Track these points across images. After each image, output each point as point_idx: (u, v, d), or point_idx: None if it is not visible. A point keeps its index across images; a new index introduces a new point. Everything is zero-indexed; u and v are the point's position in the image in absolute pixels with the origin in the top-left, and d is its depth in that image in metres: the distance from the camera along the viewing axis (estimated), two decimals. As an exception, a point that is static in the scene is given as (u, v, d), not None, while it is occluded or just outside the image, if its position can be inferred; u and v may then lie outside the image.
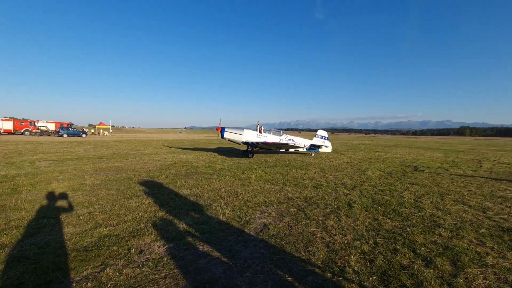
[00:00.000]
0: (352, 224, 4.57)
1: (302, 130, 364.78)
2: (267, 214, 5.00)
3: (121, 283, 2.67)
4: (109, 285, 2.62)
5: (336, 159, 15.07)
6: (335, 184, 7.93)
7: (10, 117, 42.32)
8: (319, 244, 3.73)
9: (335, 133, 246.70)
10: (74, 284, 2.62)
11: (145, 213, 4.79)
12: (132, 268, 2.94)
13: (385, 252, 3.54)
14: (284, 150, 16.43)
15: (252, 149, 15.74)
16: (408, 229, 4.39)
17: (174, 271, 2.91)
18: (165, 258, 3.18)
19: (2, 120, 38.47)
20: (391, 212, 5.26)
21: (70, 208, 4.98)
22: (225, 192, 6.61)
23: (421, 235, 4.13)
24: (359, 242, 3.85)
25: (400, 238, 4.00)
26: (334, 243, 3.78)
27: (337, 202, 5.95)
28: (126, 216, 4.64)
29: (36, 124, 41.73)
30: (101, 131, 54.75)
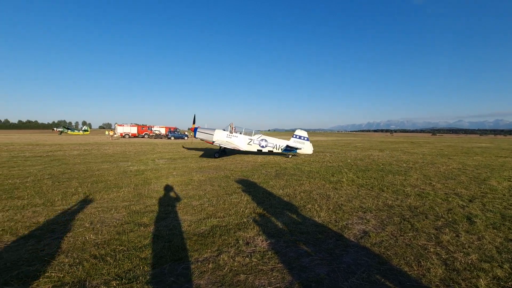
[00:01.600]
0: (476, 243, 3.85)
1: (395, 131, 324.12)
2: (365, 221, 4.73)
3: (235, 268, 3.02)
4: (226, 269, 3.00)
5: (443, 164, 12.88)
6: (446, 194, 6.81)
7: (134, 124, 52.87)
8: (433, 260, 3.31)
9: (438, 134, 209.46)
10: (199, 263, 3.11)
11: (246, 209, 5.25)
12: (243, 257, 3.29)
13: (531, 282, 2.85)
14: (256, 150, 15.33)
15: (224, 149, 15.06)
16: None
17: (279, 265, 3.11)
18: (269, 252, 3.42)
19: (130, 126, 48.76)
20: (534, 234, 4.18)
21: (185, 199, 5.91)
22: (317, 194, 6.58)
23: None
24: (488, 264, 3.22)
25: (553, 268, 3.15)
26: (454, 262, 3.27)
27: (451, 215, 5.11)
28: (230, 210, 5.20)
29: (152, 128, 50.99)
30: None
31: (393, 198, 6.36)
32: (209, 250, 3.45)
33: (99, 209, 5.08)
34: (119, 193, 6.34)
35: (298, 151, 15.20)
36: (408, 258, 3.33)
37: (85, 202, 5.56)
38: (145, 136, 48.85)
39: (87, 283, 2.67)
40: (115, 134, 46.78)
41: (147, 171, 9.70)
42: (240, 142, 15.10)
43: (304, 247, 3.61)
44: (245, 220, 4.63)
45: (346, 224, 4.56)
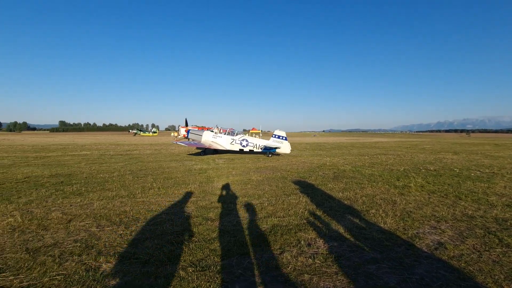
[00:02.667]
0: None
1: (472, 131, 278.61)
2: (440, 231, 4.27)
3: (299, 268, 3.08)
4: (289, 267, 3.08)
5: (544, 171, 10.71)
6: (548, 206, 5.69)
7: (195, 126, 56.93)
8: (532, 282, 2.83)
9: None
10: (263, 259, 3.26)
11: (305, 210, 5.24)
12: (305, 257, 3.32)
13: None
14: (238, 150, 16.37)
15: (205, 149, 16.01)
16: None
17: (344, 269, 3.05)
18: (332, 255, 3.37)
19: (192, 127, 52.71)
20: None
21: (245, 198, 6.18)
22: (381, 199, 6.18)
23: None
24: None
25: None
26: (561, 287, 2.74)
27: (556, 231, 4.26)
28: (289, 210, 5.26)
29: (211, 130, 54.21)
30: (254, 135, 64.16)
31: (474, 207, 5.59)
32: (272, 248, 3.57)
33: (172, 203, 5.68)
34: (186, 189, 6.96)
35: (277, 150, 15.96)
36: (497, 277, 2.92)
37: (160, 196, 6.27)
38: (205, 137, 52.21)
39: (168, 266, 3.04)
40: (179, 135, 51.19)
41: (209, 170, 10.40)
42: (223, 142, 16.50)
43: (370, 253, 3.45)
44: (304, 221, 4.63)
45: (417, 233, 4.19)
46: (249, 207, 5.44)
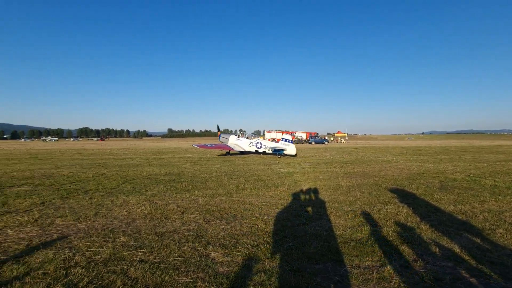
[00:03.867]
0: None
1: None
2: None
3: (404, 285, 2.79)
4: (393, 282, 2.84)
5: None
6: None
7: (278, 130, 58.51)
8: None
9: None
10: (361, 270, 3.10)
11: (406, 222, 4.70)
12: (411, 274, 2.99)
13: None
14: (254, 151, 18.74)
15: (229, 150, 18.76)
16: None
17: (464, 295, 2.60)
18: (447, 277, 2.92)
19: (276, 132, 54.72)
20: None
21: (335, 204, 5.99)
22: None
23: None
24: None
25: None
26: None
27: None
28: (387, 220, 4.81)
29: (295, 134, 54.64)
30: (339, 138, 61.22)
31: None
32: (370, 259, 3.36)
33: (264, 203, 6.02)
34: (276, 191, 7.25)
35: (284, 151, 17.58)
36: None
37: (252, 196, 6.74)
38: (289, 141, 53.11)
39: (265, 263, 3.26)
40: (264, 139, 54.20)
41: (295, 173, 10.52)
42: (243, 144, 18.95)
43: (501, 282, 2.83)
44: (407, 233, 4.15)
45: None
46: (341, 214, 5.25)
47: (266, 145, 18.49)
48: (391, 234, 4.17)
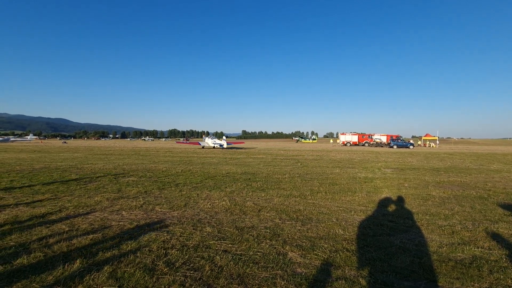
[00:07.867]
0: None
1: None
2: None
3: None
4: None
5: None
6: None
7: (355, 132, 54.80)
8: None
9: None
10: (464, 295, 2.65)
11: (529, 247, 3.78)
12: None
13: None
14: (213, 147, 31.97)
15: (203, 146, 33.11)
16: None
17: None
18: None
19: (351, 134, 51.64)
20: None
21: (426, 216, 5.26)
22: None
23: None
24: None
25: None
26: None
27: None
28: (498, 241, 3.98)
29: (372, 137, 50.37)
30: (427, 142, 53.44)
31: None
32: (476, 284, 2.83)
33: (341, 208, 5.76)
34: (353, 197, 6.84)
35: (223, 146, 31.31)
36: None
37: (327, 200, 6.52)
38: (366, 144, 49.18)
39: (346, 270, 3.11)
40: (339, 141, 51.82)
41: (375, 179, 9.70)
42: (209, 142, 32.35)
43: None
44: (530, 262, 3.34)
45: None
46: (434, 228, 4.58)
47: (218, 142, 31.69)
48: (504, 258, 3.43)
